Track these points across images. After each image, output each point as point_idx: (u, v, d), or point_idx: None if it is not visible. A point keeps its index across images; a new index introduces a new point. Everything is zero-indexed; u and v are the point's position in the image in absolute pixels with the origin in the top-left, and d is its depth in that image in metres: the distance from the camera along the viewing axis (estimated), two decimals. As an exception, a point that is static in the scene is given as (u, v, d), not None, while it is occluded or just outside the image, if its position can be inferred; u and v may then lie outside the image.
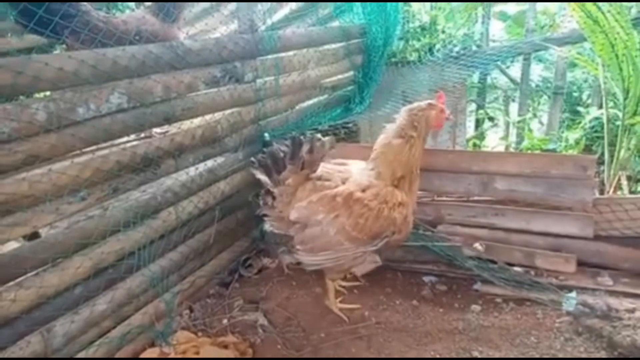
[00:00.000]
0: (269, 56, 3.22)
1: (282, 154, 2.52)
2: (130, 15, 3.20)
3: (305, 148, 2.47)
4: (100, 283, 2.28)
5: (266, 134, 3.29)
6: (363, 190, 2.47)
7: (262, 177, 2.59)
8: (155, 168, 2.47)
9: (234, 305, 2.97)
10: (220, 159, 2.97)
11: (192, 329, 2.76)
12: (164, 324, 2.63)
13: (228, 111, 2.97)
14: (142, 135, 2.84)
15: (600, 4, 3.39)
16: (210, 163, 2.88)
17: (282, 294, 3.09)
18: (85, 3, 2.66)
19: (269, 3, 3.49)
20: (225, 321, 2.83)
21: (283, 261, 3.33)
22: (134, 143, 2.45)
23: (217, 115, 2.89)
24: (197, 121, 2.77)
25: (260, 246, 3.50)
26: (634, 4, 4.71)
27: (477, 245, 3.01)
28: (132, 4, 4.61)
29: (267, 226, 2.77)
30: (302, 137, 2.49)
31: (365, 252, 2.53)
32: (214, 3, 4.13)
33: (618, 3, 3.49)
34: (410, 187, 2.55)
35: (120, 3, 4.62)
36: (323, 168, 2.61)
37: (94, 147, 2.29)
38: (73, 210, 2.16)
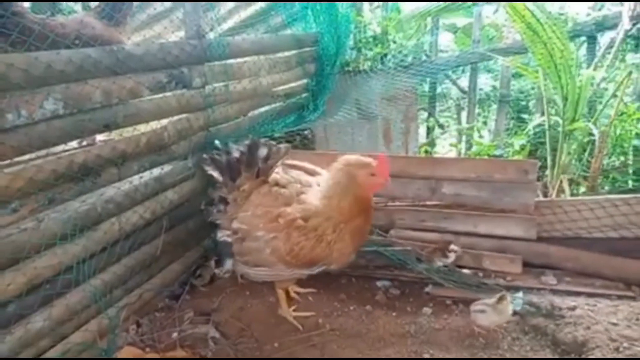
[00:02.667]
0: (218, 62, 3.16)
1: (236, 160, 2.48)
2: (70, 18, 3.06)
3: (262, 154, 2.44)
4: (36, 300, 2.14)
5: (217, 141, 3.23)
6: (306, 220, 2.39)
7: (215, 173, 2.54)
8: (95, 177, 2.36)
9: (184, 318, 2.86)
10: (167, 167, 2.88)
11: (139, 345, 2.64)
12: (108, 340, 2.50)
13: (175, 117, 2.89)
14: (85, 143, 2.72)
15: (538, 15, 3.55)
16: (156, 171, 2.78)
17: (235, 305, 3.01)
18: (19, 4, 2.53)
19: (218, 10, 3.45)
20: (174, 335, 2.73)
21: (237, 271, 3.26)
22: (73, 151, 2.33)
23: (164, 121, 2.80)
24: (142, 128, 2.67)
25: (213, 256, 3.41)
26: (569, 17, 4.99)
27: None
28: (77, 6, 4.45)
29: (220, 235, 2.72)
30: (259, 142, 2.44)
31: (301, 274, 2.53)
32: (163, 10, 4.04)
33: (554, 16, 3.68)
34: (355, 231, 2.43)
35: (65, 7, 4.44)
36: (285, 174, 2.56)
37: (32, 155, 2.17)
38: (3, 223, 2.04)
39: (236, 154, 2.50)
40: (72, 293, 2.30)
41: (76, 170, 2.27)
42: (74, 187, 2.29)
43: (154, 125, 2.73)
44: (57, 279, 2.22)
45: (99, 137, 2.78)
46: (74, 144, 2.56)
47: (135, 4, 3.14)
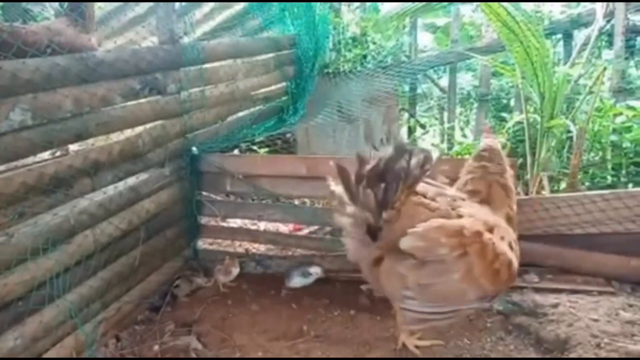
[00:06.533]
0: (194, 67, 3.11)
1: (393, 172, 1.95)
2: (41, 25, 2.98)
3: (416, 162, 1.96)
4: (7, 317, 2.07)
5: (194, 148, 3.18)
6: (491, 230, 2.01)
7: (341, 192, 2.05)
8: (67, 188, 2.29)
9: (165, 330, 2.80)
10: (143, 176, 2.81)
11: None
12: (86, 356, 2.43)
13: (150, 125, 2.83)
14: (58, 153, 2.63)
15: (513, 14, 3.57)
16: (132, 180, 2.72)
17: (217, 314, 2.96)
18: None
19: (193, 14, 3.40)
20: (155, 348, 2.67)
21: (219, 280, 3.21)
22: (43, 162, 2.26)
23: (138, 129, 2.74)
24: (115, 136, 2.61)
25: (194, 265, 3.35)
26: (545, 15, 5.05)
27: None
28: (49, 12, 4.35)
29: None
30: (407, 147, 1.97)
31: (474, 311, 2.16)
32: (135, 16, 3.96)
33: (529, 14, 3.70)
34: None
35: (36, 14, 4.34)
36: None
37: (1, 168, 2.09)
38: (-29, 240, 1.96)
39: (381, 164, 1.95)
40: (47, 309, 2.22)
41: (47, 182, 2.19)
42: (45, 200, 2.21)
43: (128, 133, 2.67)
44: (30, 295, 2.15)
45: (72, 147, 2.71)
46: (46, 154, 2.49)
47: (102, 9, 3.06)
